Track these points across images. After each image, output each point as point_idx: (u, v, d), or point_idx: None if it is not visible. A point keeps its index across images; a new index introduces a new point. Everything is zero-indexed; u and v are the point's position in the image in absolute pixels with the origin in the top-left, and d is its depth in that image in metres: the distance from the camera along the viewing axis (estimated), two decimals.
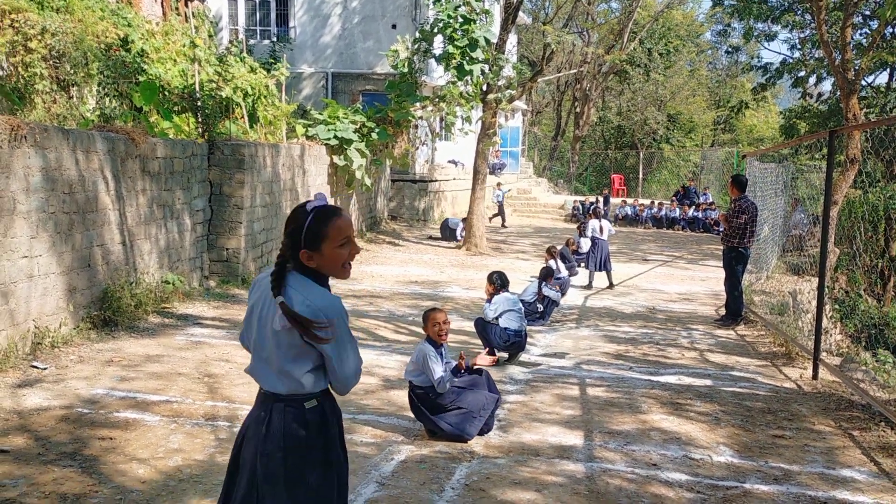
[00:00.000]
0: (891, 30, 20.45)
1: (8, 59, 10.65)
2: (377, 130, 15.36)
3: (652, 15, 37.32)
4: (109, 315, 8.14)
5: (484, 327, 7.67)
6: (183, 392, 6.21)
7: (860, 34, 20.60)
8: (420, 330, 8.79)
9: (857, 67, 16.39)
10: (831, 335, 10.46)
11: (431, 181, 21.45)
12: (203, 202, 10.50)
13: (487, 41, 15.41)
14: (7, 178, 6.63)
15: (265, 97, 13.84)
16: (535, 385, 6.90)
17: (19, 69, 10.75)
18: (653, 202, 26.91)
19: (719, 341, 9.05)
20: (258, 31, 22.67)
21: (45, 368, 6.58)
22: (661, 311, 11.06)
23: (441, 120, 19.53)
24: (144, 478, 4.56)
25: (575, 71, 36.19)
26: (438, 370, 5.34)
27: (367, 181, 15.49)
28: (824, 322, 8.23)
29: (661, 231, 24.28)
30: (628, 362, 7.84)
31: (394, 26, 21.64)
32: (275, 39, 22.02)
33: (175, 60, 13.39)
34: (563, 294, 11.43)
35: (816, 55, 22.64)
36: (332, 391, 2.74)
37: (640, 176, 37.03)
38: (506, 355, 7.75)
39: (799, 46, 23.96)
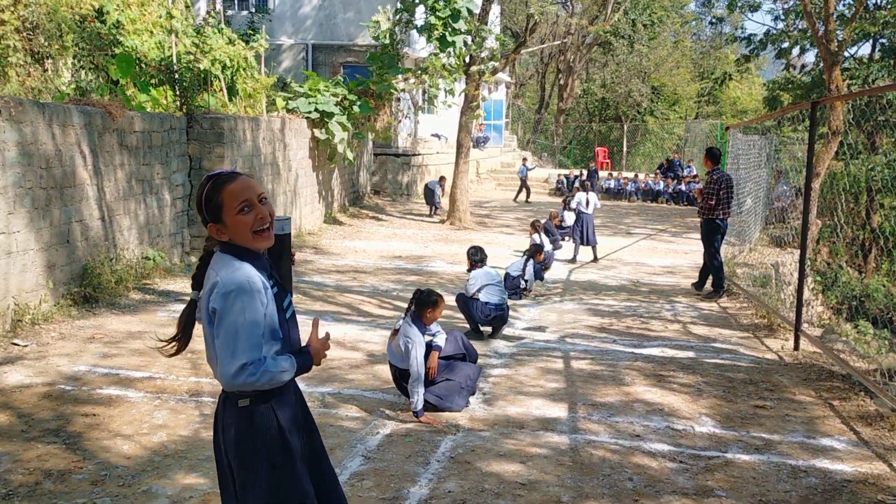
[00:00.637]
0: (874, 0, 20.45)
1: None
2: (359, 103, 15.21)
3: None
4: (90, 292, 8.05)
5: (465, 303, 7.68)
6: (166, 368, 6.17)
7: (843, 5, 20.58)
8: (402, 304, 8.79)
9: (839, 38, 16.39)
10: (813, 307, 10.57)
11: (414, 155, 21.32)
12: (183, 177, 10.37)
13: (470, 12, 15.23)
14: None
15: (244, 69, 13.65)
16: (520, 358, 6.92)
17: None
18: (636, 175, 26.92)
19: (702, 314, 9.11)
20: (236, 2, 22.28)
21: (25, 346, 6.51)
22: (645, 285, 11.11)
23: (424, 93, 19.38)
24: (129, 453, 4.54)
25: (559, 42, 35.99)
26: (421, 359, 5.25)
27: (350, 155, 15.37)
28: (806, 294, 8.30)
29: (645, 204, 24.34)
30: (612, 335, 7.88)
31: None
32: (253, 10, 21.68)
33: (151, 32, 13.14)
34: (546, 268, 11.45)
35: (800, 26, 22.60)
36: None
37: (625, 149, 37.04)
38: (489, 329, 7.76)
39: (783, 17, 23.90)
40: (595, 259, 13.13)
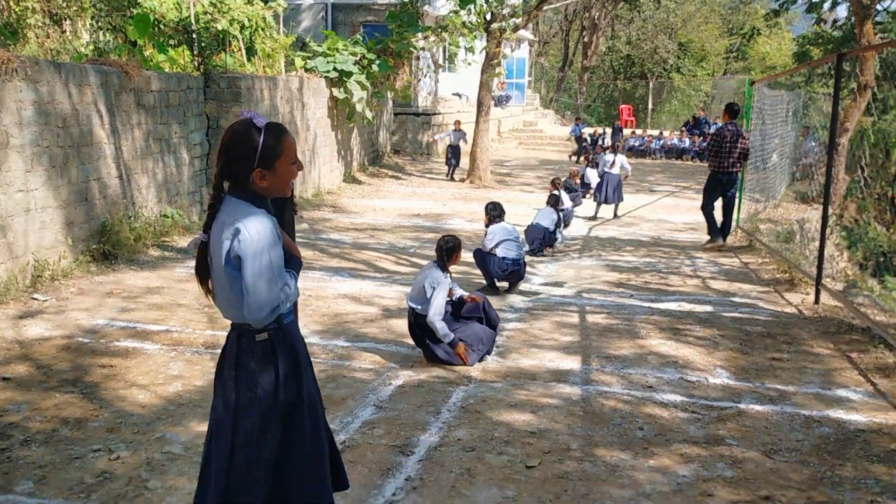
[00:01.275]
0: None
1: None
2: (378, 62, 15.06)
3: None
4: (109, 248, 8.14)
5: (483, 258, 7.64)
6: (183, 322, 6.25)
7: None
8: (420, 261, 8.80)
9: None
10: (837, 262, 10.37)
11: (434, 114, 21.15)
12: (200, 136, 10.39)
13: None
14: None
15: (262, 29, 13.54)
16: (535, 313, 6.90)
17: (10, 4, 10.52)
18: (661, 133, 26.50)
19: (722, 269, 9.00)
20: None
21: (45, 300, 6.61)
22: (666, 241, 10.99)
23: (444, 51, 19.15)
24: (144, 402, 4.62)
25: None
26: (443, 304, 5.32)
27: (369, 114, 15.27)
28: (831, 249, 8.15)
29: (669, 162, 23.99)
30: (629, 290, 7.82)
31: None
32: None
33: None
34: (566, 225, 11.37)
35: None
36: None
37: (650, 106, 36.43)
38: (506, 285, 7.74)
39: None
40: (615, 216, 13.07)
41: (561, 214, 10.13)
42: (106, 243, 8.15)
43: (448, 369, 5.31)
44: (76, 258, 7.69)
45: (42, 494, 3.55)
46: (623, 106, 33.80)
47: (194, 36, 11.45)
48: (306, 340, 2.89)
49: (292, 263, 2.66)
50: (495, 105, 23.83)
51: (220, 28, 12.08)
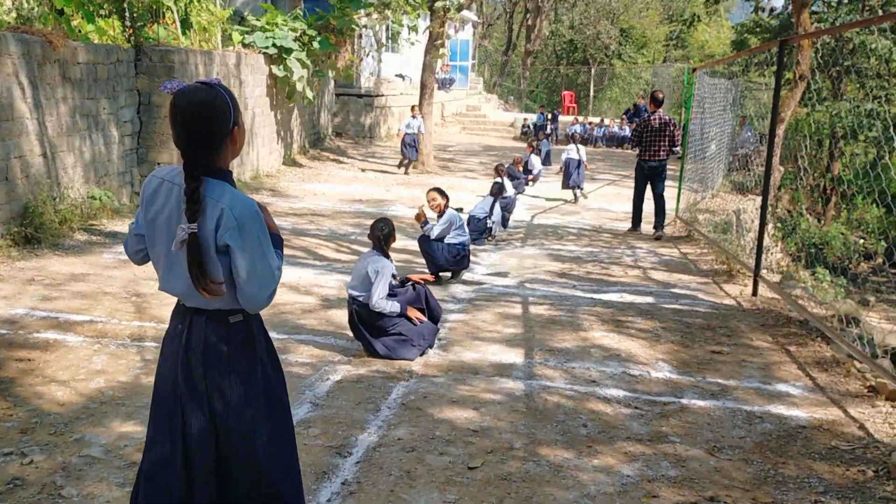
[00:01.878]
0: None
1: None
2: (319, 39, 14.65)
3: None
4: (31, 232, 7.70)
5: (429, 245, 7.46)
6: (109, 312, 5.92)
7: None
8: (361, 248, 8.59)
9: None
10: (772, 253, 10.58)
11: (378, 96, 20.81)
12: (131, 113, 9.91)
13: None
14: None
15: (199, 1, 13.01)
16: (478, 304, 6.79)
17: None
18: (602, 120, 26.69)
19: (662, 259, 9.05)
20: None
21: None
22: (607, 231, 11.02)
23: (387, 29, 18.82)
24: (63, 400, 4.33)
25: None
26: (385, 292, 5.18)
27: (309, 94, 14.88)
28: (766, 240, 8.25)
29: (610, 150, 24.19)
30: (572, 280, 7.78)
31: None
32: None
33: None
34: (509, 212, 11.28)
35: None
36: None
37: (591, 93, 36.69)
38: (448, 274, 7.60)
39: None
40: (575, 199, 13.87)
41: (500, 203, 9.99)
42: (28, 226, 7.70)
43: (388, 364, 5.15)
44: None
45: None
46: (566, 92, 33.94)
47: (125, 5, 10.89)
48: None
49: (275, 241, 2.48)
50: (439, 88, 23.61)
51: None
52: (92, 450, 3.77)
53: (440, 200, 7.47)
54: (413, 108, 16.60)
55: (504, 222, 10.37)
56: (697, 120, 12.10)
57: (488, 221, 9.62)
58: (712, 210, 12.12)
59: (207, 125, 2.31)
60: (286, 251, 8.37)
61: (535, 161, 15.79)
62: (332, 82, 18.58)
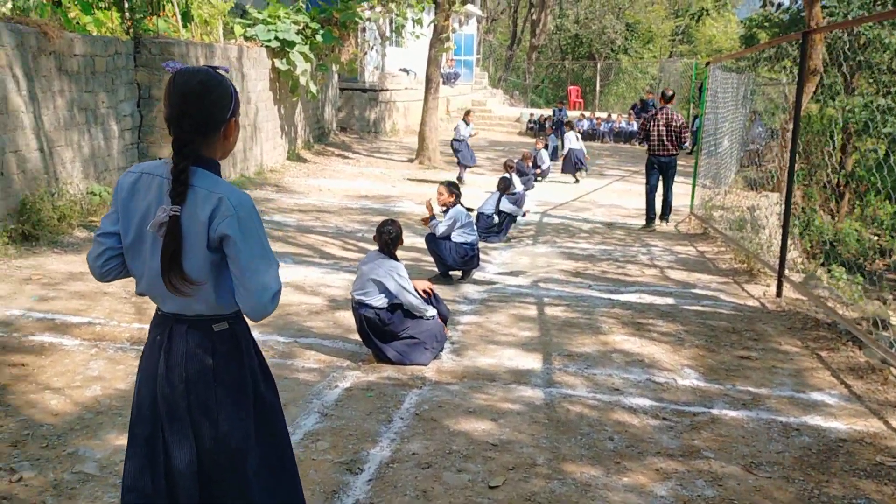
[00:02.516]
0: None
1: None
2: (322, 32, 14.36)
3: None
4: (29, 229, 7.44)
5: (437, 244, 7.17)
6: (108, 313, 5.67)
7: None
8: (368, 246, 8.32)
9: None
10: (789, 251, 10.31)
11: (382, 90, 20.50)
12: (131, 106, 9.64)
13: None
14: None
15: None
16: (491, 305, 6.52)
17: None
18: (609, 115, 26.38)
19: (679, 258, 8.78)
20: None
21: None
22: (620, 227, 10.75)
23: (390, 23, 18.52)
24: (57, 410, 4.07)
25: None
26: (411, 287, 5.00)
27: (313, 88, 14.59)
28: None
29: (617, 145, 23.88)
30: (587, 280, 7.51)
31: None
32: None
33: None
34: (520, 207, 11.00)
35: None
36: (245, 316, 2.23)
37: (598, 88, 36.34)
38: (459, 274, 7.32)
39: None
40: (575, 180, 15.14)
41: (509, 199, 9.70)
42: (25, 223, 7.44)
43: (400, 370, 4.88)
44: None
45: None
46: (571, 87, 33.61)
47: None
48: None
49: None
50: (444, 83, 23.28)
51: None
52: (85, 465, 3.52)
53: (446, 196, 7.19)
54: (468, 113, 15.12)
55: (514, 217, 10.06)
56: (711, 115, 11.81)
57: (495, 217, 9.34)
58: (727, 207, 11.83)
59: (205, 106, 2.12)
60: (291, 249, 8.12)
61: (544, 155, 15.53)
62: (336, 76, 18.29)
